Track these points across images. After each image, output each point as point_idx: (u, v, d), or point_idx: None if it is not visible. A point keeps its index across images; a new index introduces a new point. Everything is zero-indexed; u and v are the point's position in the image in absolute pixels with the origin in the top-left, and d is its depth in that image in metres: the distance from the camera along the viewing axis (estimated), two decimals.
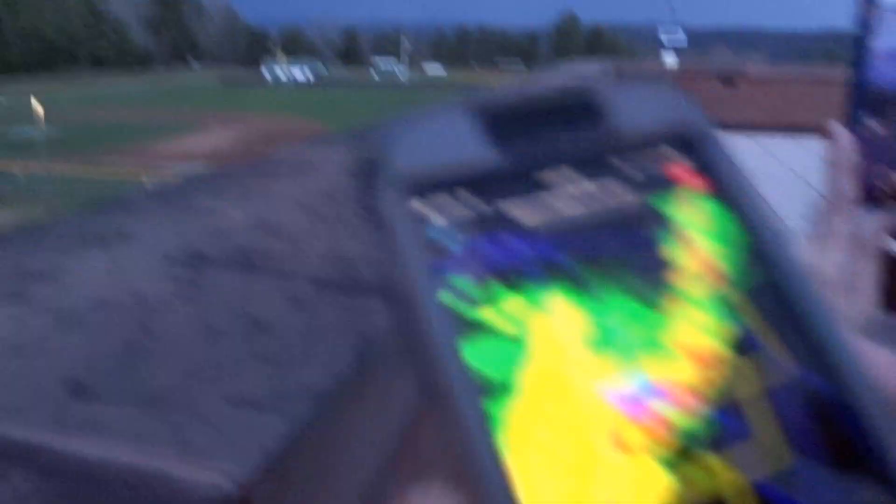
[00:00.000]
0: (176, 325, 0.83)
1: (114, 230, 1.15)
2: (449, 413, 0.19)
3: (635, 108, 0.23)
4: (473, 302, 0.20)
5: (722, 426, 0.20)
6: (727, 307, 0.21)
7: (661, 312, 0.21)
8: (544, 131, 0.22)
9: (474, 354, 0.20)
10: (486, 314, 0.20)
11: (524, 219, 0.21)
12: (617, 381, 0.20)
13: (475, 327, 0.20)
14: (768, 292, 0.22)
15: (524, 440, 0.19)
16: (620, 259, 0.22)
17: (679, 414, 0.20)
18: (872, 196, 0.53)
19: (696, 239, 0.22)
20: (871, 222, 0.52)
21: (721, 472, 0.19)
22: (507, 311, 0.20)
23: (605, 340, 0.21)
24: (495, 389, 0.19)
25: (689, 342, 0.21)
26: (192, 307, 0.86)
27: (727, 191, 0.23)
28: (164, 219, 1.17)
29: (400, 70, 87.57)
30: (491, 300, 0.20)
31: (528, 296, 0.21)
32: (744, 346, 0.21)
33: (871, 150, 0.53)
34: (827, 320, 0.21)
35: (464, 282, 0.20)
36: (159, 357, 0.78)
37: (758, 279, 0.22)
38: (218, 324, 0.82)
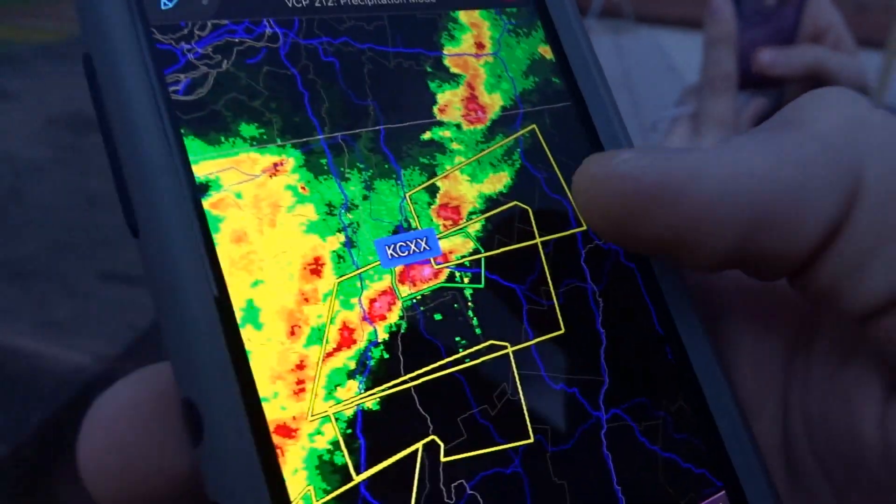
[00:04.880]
0: (50, 193, 0.76)
1: None
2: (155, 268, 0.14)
3: None
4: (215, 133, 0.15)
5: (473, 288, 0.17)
6: (534, 139, 0.18)
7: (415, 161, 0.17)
8: None
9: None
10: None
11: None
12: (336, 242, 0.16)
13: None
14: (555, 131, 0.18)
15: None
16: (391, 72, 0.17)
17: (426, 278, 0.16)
18: (753, 79, 0.48)
19: (517, 59, 0.19)
20: (751, 107, 0.48)
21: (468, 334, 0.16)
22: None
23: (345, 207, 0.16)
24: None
25: (491, 178, 0.17)
26: (70, 174, 0.80)
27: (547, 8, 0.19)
28: (52, 78, 1.07)
29: None
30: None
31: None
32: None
33: (755, 29, 0.48)
34: None
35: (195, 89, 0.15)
36: (29, 226, 0.71)
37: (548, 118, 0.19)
38: (96, 193, 0.76)
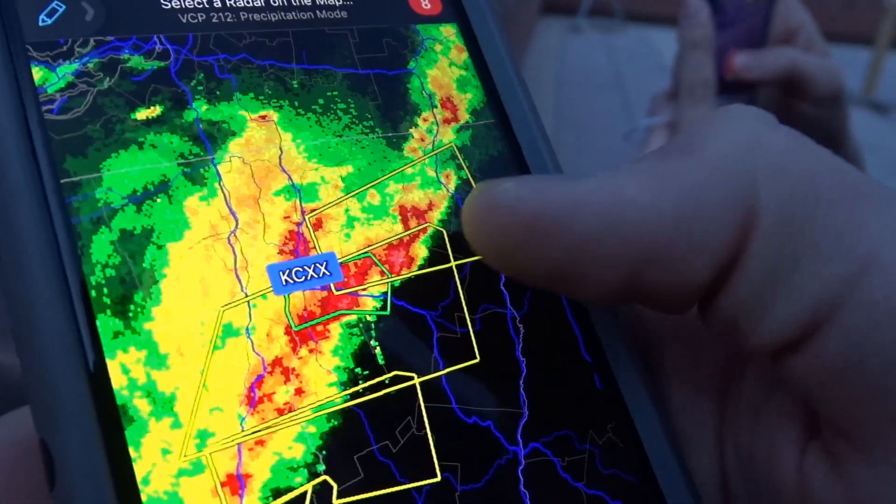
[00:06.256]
0: None
1: None
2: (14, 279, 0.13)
3: None
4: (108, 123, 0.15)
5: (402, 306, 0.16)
6: (452, 158, 0.17)
7: (376, 161, 0.16)
8: None
9: (80, 203, 0.14)
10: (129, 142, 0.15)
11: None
12: (287, 251, 0.15)
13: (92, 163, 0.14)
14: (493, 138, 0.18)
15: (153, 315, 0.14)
16: (329, 81, 0.17)
17: (359, 294, 0.15)
18: (725, 83, 0.46)
19: (435, 76, 0.18)
20: None
21: (393, 362, 0.15)
22: (157, 143, 0.15)
23: (295, 193, 0.16)
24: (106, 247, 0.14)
25: (403, 199, 0.16)
26: None
27: (469, 21, 0.18)
28: None
29: None
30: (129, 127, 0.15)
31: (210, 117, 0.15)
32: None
33: (726, 31, 0.46)
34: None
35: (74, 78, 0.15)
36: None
37: (488, 124, 0.18)
38: None
